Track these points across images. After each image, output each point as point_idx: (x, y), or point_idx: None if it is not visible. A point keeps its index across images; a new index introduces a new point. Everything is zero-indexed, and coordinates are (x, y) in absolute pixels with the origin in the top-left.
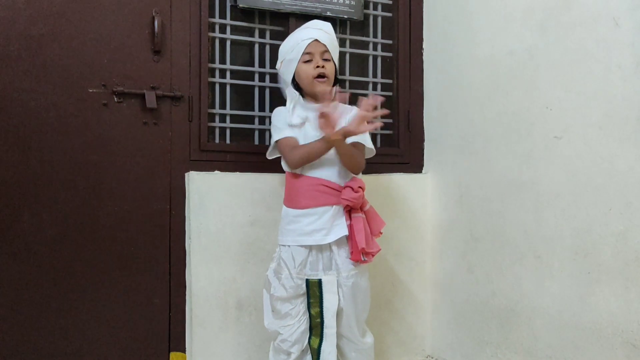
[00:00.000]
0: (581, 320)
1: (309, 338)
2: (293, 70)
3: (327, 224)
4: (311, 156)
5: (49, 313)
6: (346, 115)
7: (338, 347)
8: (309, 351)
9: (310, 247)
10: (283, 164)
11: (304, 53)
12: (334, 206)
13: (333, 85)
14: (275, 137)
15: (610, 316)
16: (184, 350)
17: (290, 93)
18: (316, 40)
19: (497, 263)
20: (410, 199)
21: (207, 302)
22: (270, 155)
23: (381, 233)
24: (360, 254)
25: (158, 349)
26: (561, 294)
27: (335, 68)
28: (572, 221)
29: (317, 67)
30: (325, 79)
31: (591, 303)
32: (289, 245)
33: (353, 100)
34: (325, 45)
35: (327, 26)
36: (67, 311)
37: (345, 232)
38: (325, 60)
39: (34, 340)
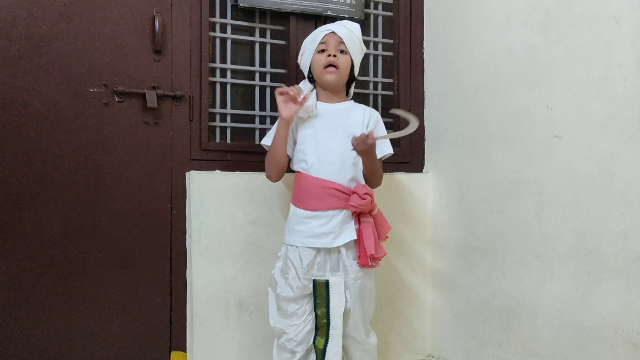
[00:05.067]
0: (582, 320)
1: (314, 338)
2: (309, 62)
3: (336, 228)
4: (273, 155)
5: (50, 312)
6: (360, 115)
7: (343, 346)
8: (314, 350)
9: (318, 249)
10: (291, 164)
11: (320, 43)
12: (344, 210)
13: (349, 83)
14: (266, 140)
15: (611, 315)
16: (184, 350)
17: (304, 87)
18: (333, 32)
19: (497, 262)
20: (411, 198)
21: (208, 302)
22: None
23: (387, 237)
24: (368, 259)
25: (159, 349)
26: (562, 293)
27: (352, 65)
28: (573, 220)
29: (329, 55)
30: (335, 69)
31: (592, 302)
32: (296, 246)
33: (354, 99)
34: (341, 37)
35: (353, 26)
36: (68, 311)
37: (354, 236)
38: (341, 52)
39: (35, 340)
